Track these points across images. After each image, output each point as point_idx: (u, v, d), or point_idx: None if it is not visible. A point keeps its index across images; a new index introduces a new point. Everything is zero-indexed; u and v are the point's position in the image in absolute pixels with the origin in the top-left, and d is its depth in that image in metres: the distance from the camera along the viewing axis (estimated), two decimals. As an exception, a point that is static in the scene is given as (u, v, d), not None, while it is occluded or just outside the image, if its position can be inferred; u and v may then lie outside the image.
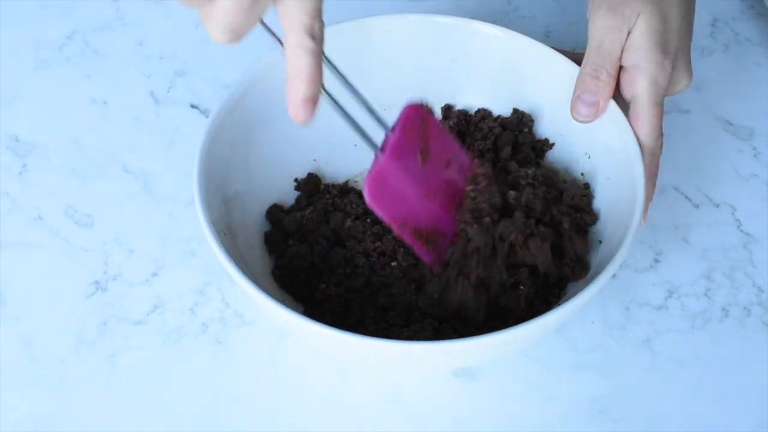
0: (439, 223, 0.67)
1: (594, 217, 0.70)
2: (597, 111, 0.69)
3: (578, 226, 0.69)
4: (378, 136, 0.64)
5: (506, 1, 0.92)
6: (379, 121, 0.64)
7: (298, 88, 0.55)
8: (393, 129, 0.64)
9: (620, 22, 0.68)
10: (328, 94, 0.60)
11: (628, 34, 0.68)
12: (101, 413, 0.67)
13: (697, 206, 0.79)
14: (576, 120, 0.70)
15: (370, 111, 0.63)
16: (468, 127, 0.76)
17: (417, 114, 0.65)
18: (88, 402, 0.67)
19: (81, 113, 0.83)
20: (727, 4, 0.93)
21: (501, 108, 0.77)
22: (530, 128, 0.76)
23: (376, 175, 0.63)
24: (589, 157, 0.73)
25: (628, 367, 0.70)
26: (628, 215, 0.65)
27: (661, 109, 0.68)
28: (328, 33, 0.74)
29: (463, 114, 0.77)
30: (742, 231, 0.77)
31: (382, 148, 0.64)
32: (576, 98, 0.70)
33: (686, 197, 0.79)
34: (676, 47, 0.69)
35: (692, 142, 0.82)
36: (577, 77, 0.70)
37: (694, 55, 0.72)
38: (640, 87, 0.68)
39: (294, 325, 0.61)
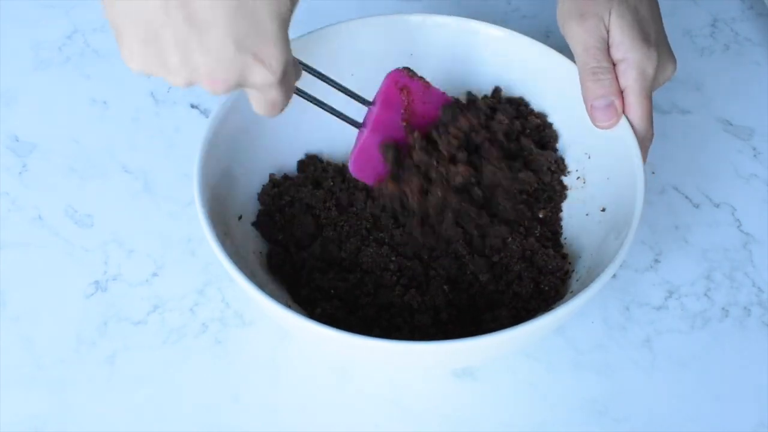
0: None
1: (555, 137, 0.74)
2: (616, 111, 0.68)
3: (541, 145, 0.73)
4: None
5: (506, 1, 0.92)
6: (360, 99, 0.67)
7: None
8: (374, 102, 0.67)
9: (596, 21, 0.68)
10: (300, 94, 0.64)
11: (608, 32, 0.68)
12: (101, 413, 0.67)
13: (697, 206, 0.79)
14: (601, 128, 0.69)
15: (350, 94, 0.67)
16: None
17: (397, 82, 0.68)
18: (88, 402, 0.67)
19: (81, 113, 0.83)
20: (727, 4, 0.93)
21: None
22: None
23: (360, 153, 0.67)
24: (589, 158, 0.73)
25: (628, 367, 0.70)
26: (628, 215, 0.65)
27: (650, 98, 0.68)
28: (330, 32, 0.74)
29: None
30: (742, 231, 0.77)
31: (364, 123, 0.67)
32: (590, 109, 0.69)
33: (686, 197, 0.79)
34: (655, 36, 0.69)
35: (692, 142, 0.82)
36: (582, 90, 0.69)
37: (694, 55, 0.72)
38: (629, 79, 0.68)
39: (294, 325, 0.61)
